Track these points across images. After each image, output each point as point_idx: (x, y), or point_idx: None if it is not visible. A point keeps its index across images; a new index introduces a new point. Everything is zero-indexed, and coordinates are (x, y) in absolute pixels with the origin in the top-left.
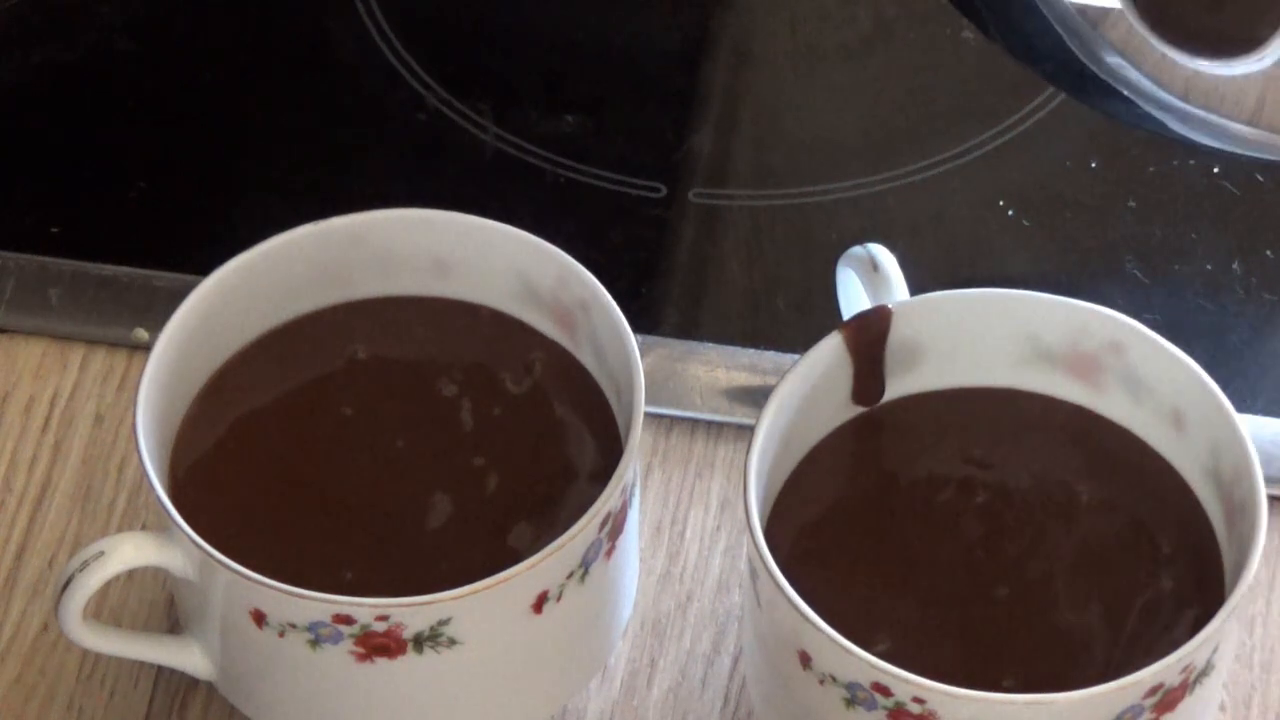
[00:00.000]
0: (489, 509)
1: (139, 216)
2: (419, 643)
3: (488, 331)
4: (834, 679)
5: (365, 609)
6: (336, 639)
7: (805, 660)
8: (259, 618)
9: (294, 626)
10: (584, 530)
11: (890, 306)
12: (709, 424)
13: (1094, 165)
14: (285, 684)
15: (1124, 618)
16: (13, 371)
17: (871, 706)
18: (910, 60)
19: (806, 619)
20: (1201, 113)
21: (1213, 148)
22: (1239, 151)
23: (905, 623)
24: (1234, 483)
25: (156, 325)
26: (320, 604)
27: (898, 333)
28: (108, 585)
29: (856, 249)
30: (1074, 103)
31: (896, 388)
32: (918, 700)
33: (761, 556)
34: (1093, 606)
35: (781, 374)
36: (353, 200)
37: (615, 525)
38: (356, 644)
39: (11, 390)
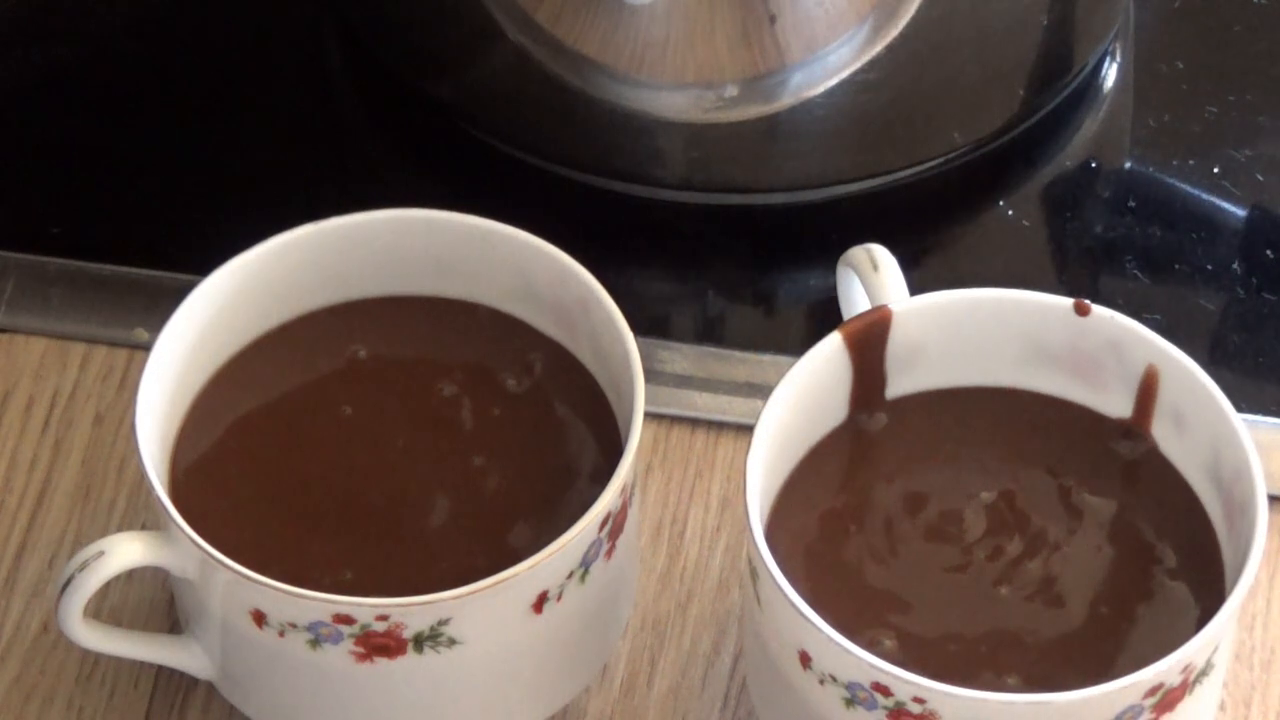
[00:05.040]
0: (489, 509)
1: (139, 216)
2: (419, 643)
3: (488, 331)
4: (834, 679)
5: (365, 609)
6: (336, 639)
7: (805, 660)
8: (259, 618)
9: (294, 626)
10: (584, 530)
11: (890, 307)
12: (709, 424)
13: (1094, 165)
14: (285, 684)
15: (1124, 618)
16: (13, 371)
17: (871, 706)
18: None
19: (806, 619)
20: None
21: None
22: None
23: (906, 623)
24: (1234, 483)
25: (156, 325)
26: (320, 604)
27: (898, 333)
28: (108, 585)
29: (856, 249)
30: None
31: (897, 388)
32: (918, 700)
33: (761, 556)
34: (1093, 606)
35: (781, 374)
36: (353, 200)
37: (615, 525)
38: (356, 644)
39: (11, 390)
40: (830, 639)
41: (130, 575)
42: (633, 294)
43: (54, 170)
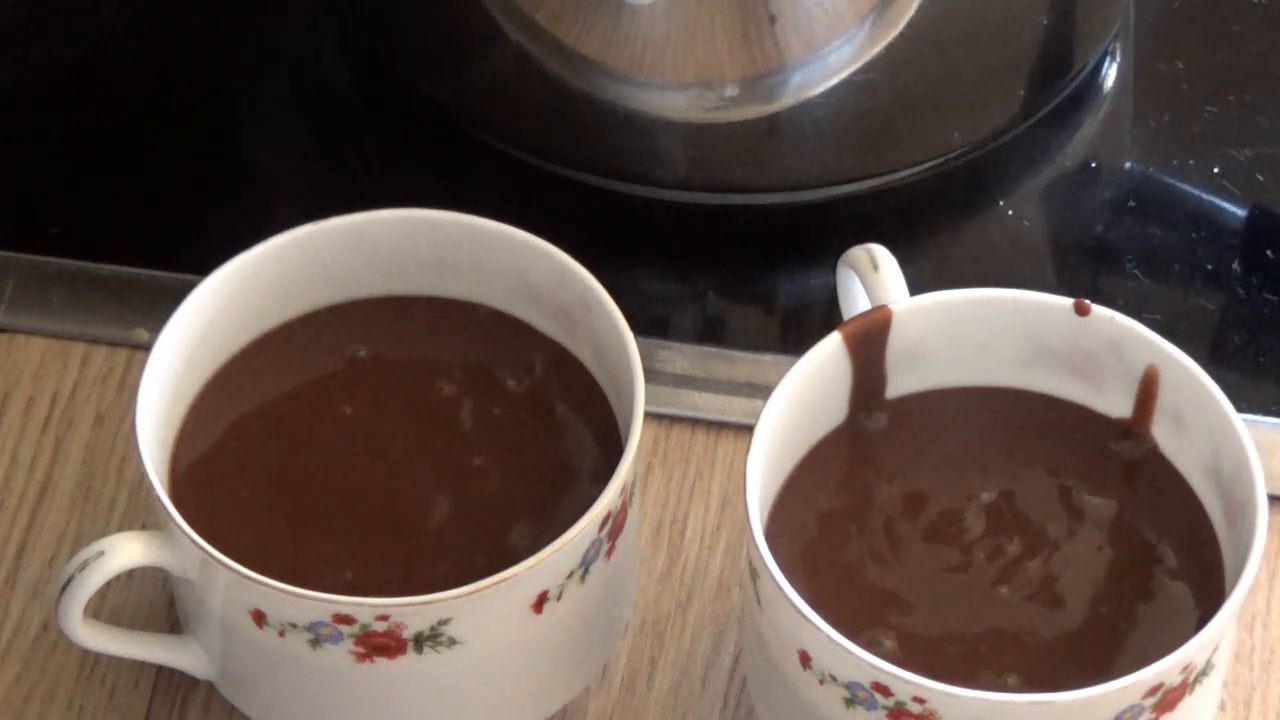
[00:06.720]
0: (489, 509)
1: (139, 216)
2: (419, 643)
3: (488, 331)
4: (834, 679)
5: (365, 609)
6: (336, 639)
7: (805, 660)
8: (259, 618)
9: (294, 626)
10: (584, 530)
11: (890, 306)
12: (709, 424)
13: (1094, 165)
14: (285, 684)
15: (1124, 618)
16: (13, 371)
17: (871, 706)
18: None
19: (806, 619)
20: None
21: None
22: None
23: (906, 623)
24: (1234, 483)
25: (156, 325)
26: (320, 604)
27: (898, 333)
28: (108, 585)
29: (856, 249)
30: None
31: (896, 387)
32: (918, 700)
33: (762, 556)
34: (1093, 606)
35: (781, 374)
36: (353, 200)
37: (615, 525)
38: (356, 644)
39: (11, 390)
40: (830, 639)
41: (130, 575)
42: (633, 294)
43: (54, 170)
